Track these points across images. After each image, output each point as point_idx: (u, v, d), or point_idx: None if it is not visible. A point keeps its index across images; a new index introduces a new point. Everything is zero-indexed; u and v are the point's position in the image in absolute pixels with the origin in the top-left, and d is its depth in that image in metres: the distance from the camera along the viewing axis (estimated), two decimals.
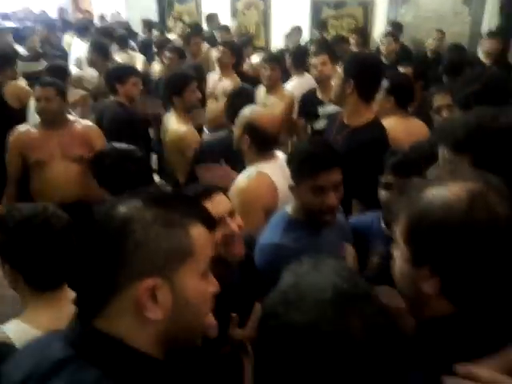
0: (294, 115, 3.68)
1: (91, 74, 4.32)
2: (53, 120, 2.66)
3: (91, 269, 0.74)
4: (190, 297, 0.76)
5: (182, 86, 2.93)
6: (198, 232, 0.78)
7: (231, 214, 1.40)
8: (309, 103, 3.47)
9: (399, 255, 0.84)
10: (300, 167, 1.54)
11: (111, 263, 0.72)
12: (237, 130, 2.15)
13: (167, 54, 4.52)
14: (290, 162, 1.62)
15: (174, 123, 2.96)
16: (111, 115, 3.06)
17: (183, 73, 3.19)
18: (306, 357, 0.61)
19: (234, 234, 1.37)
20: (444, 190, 0.78)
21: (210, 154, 2.67)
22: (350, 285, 0.67)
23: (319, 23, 6.50)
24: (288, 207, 1.64)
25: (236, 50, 4.16)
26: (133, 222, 0.73)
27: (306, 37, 6.72)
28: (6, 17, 8.93)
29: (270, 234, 1.59)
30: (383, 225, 1.73)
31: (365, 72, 2.21)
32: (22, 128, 2.74)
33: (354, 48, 4.94)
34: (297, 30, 6.07)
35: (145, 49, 5.53)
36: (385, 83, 2.58)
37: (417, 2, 6.22)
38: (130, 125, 2.99)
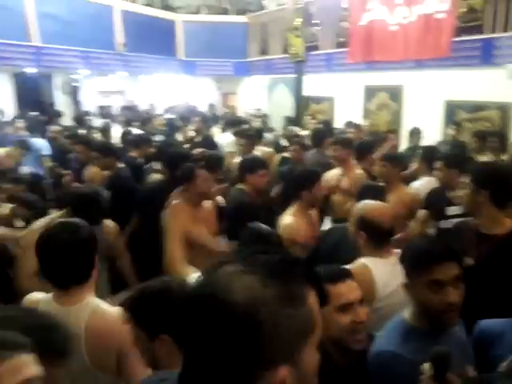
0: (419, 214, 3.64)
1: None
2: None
3: (221, 364, 0.66)
4: (308, 373, 0.71)
5: (311, 182, 3.10)
6: (313, 302, 0.72)
7: (361, 301, 1.45)
8: (436, 201, 3.42)
9: None
10: (414, 262, 1.49)
11: (239, 357, 0.65)
12: (352, 225, 2.19)
13: (293, 146, 4.97)
14: (403, 258, 1.58)
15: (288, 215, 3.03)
16: (237, 201, 3.31)
17: (312, 170, 3.41)
18: None
19: (362, 322, 1.42)
20: None
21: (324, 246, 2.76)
22: None
23: (453, 126, 6.45)
24: (405, 312, 1.56)
25: (364, 148, 4.36)
26: (259, 311, 0.65)
27: (438, 137, 6.74)
28: (169, 110, 10.68)
29: (386, 340, 1.52)
30: None
31: (499, 182, 2.17)
32: (179, 204, 3.02)
33: (489, 153, 4.78)
34: (416, 133, 6.22)
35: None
36: None
37: None
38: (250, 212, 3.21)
